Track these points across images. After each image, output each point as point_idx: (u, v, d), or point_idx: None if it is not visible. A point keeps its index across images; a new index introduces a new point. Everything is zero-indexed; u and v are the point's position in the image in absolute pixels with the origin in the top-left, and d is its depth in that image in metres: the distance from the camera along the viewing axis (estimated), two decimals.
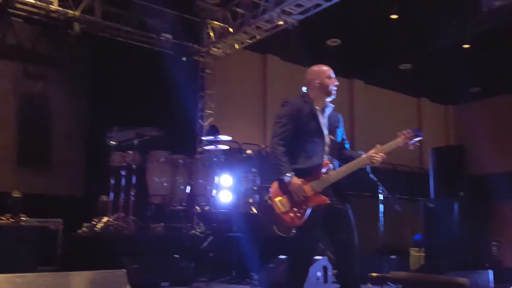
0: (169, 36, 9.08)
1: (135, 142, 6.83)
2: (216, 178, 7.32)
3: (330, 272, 5.64)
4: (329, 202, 3.44)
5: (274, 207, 3.42)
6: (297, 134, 3.54)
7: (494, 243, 13.69)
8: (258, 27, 9.02)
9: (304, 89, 3.76)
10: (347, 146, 3.81)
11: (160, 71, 8.36)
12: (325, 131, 3.61)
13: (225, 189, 7.35)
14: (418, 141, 3.55)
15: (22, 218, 6.10)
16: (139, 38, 9.12)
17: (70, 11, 8.20)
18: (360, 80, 13.48)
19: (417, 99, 15.12)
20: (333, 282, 5.82)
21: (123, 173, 6.76)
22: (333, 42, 11.10)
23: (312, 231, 3.45)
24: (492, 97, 14.60)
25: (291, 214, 3.39)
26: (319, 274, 5.60)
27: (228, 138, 7.73)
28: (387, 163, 12.86)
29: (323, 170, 3.48)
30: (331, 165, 3.52)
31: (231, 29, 9.30)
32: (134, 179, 6.79)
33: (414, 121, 14.91)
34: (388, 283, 5.19)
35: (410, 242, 10.64)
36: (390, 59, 12.05)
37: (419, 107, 15.17)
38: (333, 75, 3.70)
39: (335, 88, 3.68)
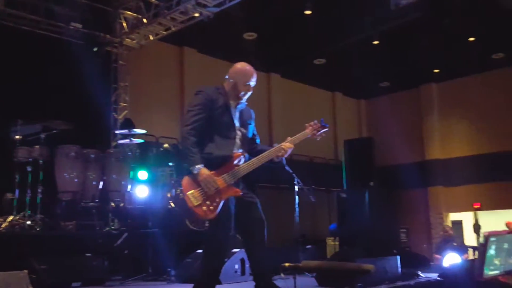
0: (78, 25, 8.66)
1: (42, 136, 6.48)
2: (132, 173, 7.11)
3: (247, 265, 5.67)
4: (241, 194, 3.44)
5: (186, 201, 3.35)
6: (209, 124, 3.50)
7: (402, 229, 14.51)
8: (173, 19, 8.87)
9: (226, 76, 3.72)
10: (257, 141, 3.83)
11: (70, 62, 7.94)
12: (237, 124, 3.61)
13: (141, 184, 7.16)
14: (325, 132, 3.67)
15: None
16: (46, 27, 8.64)
17: None
18: (277, 73, 13.68)
19: (331, 93, 15.58)
20: (250, 274, 5.85)
21: (29, 169, 6.40)
22: (249, 35, 11.16)
23: (226, 223, 3.43)
24: (400, 92, 15.36)
25: (204, 208, 3.33)
26: (236, 266, 5.61)
27: (143, 131, 7.54)
28: (304, 156, 13.19)
29: (235, 162, 3.46)
30: (242, 157, 3.51)
31: (145, 20, 9.06)
32: (41, 175, 6.45)
33: (329, 114, 15.37)
34: (305, 272, 5.31)
35: (327, 232, 10.97)
36: (305, 53, 12.31)
37: (333, 101, 15.65)
38: (251, 83, 3.64)
39: (246, 96, 3.64)
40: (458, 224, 14.93)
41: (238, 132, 3.59)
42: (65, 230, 6.46)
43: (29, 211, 6.32)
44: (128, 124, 7.47)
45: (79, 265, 5.49)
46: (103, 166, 7.15)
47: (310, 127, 3.65)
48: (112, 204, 7.21)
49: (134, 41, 9.65)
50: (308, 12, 10.03)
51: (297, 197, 6.51)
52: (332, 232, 10.09)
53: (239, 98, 3.63)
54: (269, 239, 3.54)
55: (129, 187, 7.13)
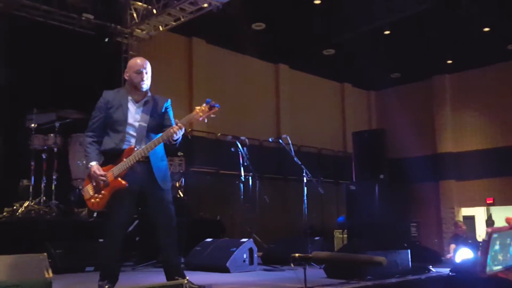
0: (90, 16, 8.76)
1: (56, 124, 6.63)
2: None
3: (255, 254, 5.73)
4: (127, 185, 3.58)
5: (84, 194, 3.72)
6: (106, 123, 3.76)
7: (413, 223, 14.43)
8: (182, 9, 8.90)
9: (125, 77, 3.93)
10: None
11: (82, 52, 8.06)
12: (133, 118, 3.75)
13: None
14: (214, 112, 3.64)
15: None
16: (59, 18, 8.70)
17: None
18: (285, 64, 13.68)
19: (340, 84, 15.55)
20: (259, 264, 5.92)
21: (44, 156, 6.57)
22: (258, 26, 11.16)
23: (117, 214, 3.67)
24: (411, 83, 15.27)
25: (92, 200, 3.65)
26: (245, 256, 5.67)
27: None
28: (312, 147, 13.22)
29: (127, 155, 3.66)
30: (135, 149, 3.65)
31: (154, 10, 9.12)
32: (56, 163, 6.62)
33: (338, 105, 15.36)
34: (312, 263, 5.34)
35: (335, 224, 11.02)
36: (314, 44, 12.29)
37: (342, 92, 15.62)
38: (143, 69, 3.81)
39: (145, 84, 3.82)
40: (470, 219, 14.82)
41: (136, 124, 3.74)
42: (79, 216, 6.58)
43: (44, 197, 6.48)
44: None
45: (93, 251, 5.59)
46: None
47: (198, 109, 3.66)
48: None
49: (144, 32, 9.70)
50: (317, 1, 10.01)
51: (305, 189, 6.54)
52: (340, 225, 10.09)
53: (138, 88, 3.80)
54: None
55: None
